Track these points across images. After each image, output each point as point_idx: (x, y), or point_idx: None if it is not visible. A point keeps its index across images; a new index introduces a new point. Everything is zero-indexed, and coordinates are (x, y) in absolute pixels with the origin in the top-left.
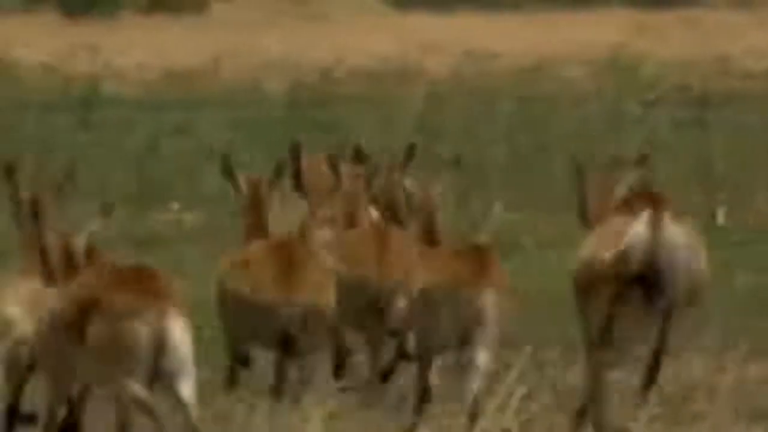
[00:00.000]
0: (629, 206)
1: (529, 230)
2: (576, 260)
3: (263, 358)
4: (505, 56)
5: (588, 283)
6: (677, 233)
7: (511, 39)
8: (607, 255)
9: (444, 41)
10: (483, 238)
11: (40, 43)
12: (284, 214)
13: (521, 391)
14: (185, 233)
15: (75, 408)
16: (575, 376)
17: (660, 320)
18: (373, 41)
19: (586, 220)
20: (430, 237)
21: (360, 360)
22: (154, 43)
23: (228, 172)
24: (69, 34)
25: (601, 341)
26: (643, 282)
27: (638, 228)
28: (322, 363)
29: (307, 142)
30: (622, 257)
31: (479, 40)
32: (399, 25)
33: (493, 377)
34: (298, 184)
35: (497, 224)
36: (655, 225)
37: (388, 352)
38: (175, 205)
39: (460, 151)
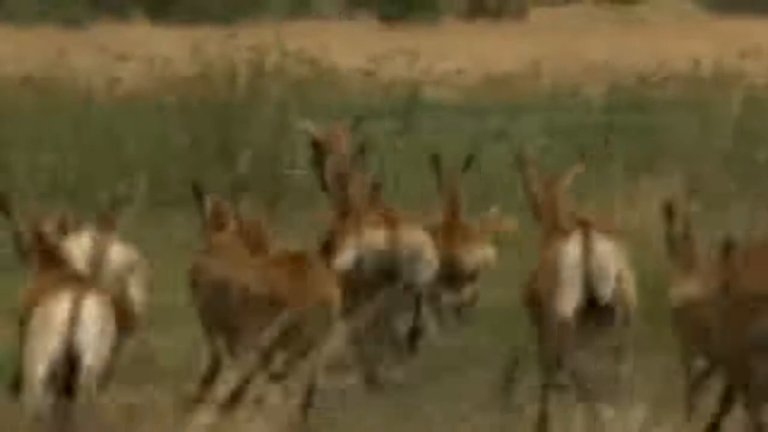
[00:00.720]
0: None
1: None
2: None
3: None
4: None
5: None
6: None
7: None
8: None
9: (763, 45)
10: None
11: (359, 49)
12: None
13: None
14: (500, 239)
15: None
16: None
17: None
18: (691, 45)
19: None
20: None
21: None
22: (474, 48)
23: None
24: (387, 39)
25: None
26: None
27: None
28: None
29: (621, 146)
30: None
31: None
32: (717, 29)
33: None
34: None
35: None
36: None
37: None
38: (495, 210)
39: None
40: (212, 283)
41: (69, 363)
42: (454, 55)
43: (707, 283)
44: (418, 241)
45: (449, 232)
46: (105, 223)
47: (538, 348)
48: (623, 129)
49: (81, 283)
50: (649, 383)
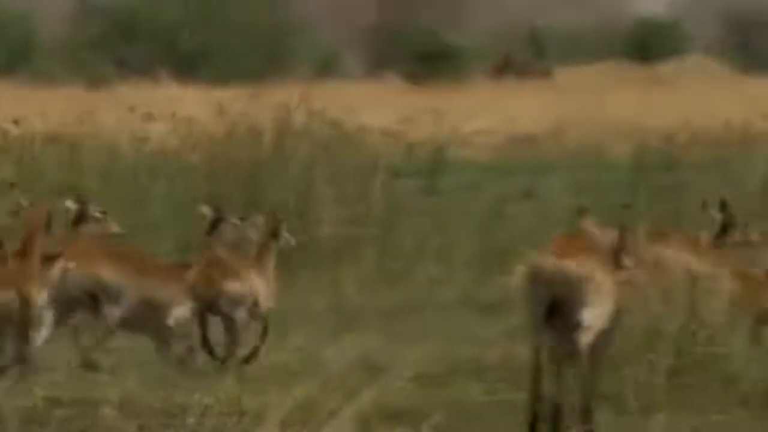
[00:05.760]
0: None
1: None
2: None
3: None
4: None
5: None
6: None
7: None
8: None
9: None
10: None
11: (385, 109)
12: None
13: None
14: None
15: None
16: None
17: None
18: (717, 105)
19: None
20: None
21: None
22: (500, 107)
23: None
24: (413, 98)
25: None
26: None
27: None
28: None
29: (650, 206)
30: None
31: None
32: (743, 89)
33: None
34: None
35: None
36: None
37: None
38: (521, 270)
39: None
40: None
41: None
42: (479, 114)
43: None
44: None
45: None
46: None
47: None
48: (650, 188)
49: None
50: None
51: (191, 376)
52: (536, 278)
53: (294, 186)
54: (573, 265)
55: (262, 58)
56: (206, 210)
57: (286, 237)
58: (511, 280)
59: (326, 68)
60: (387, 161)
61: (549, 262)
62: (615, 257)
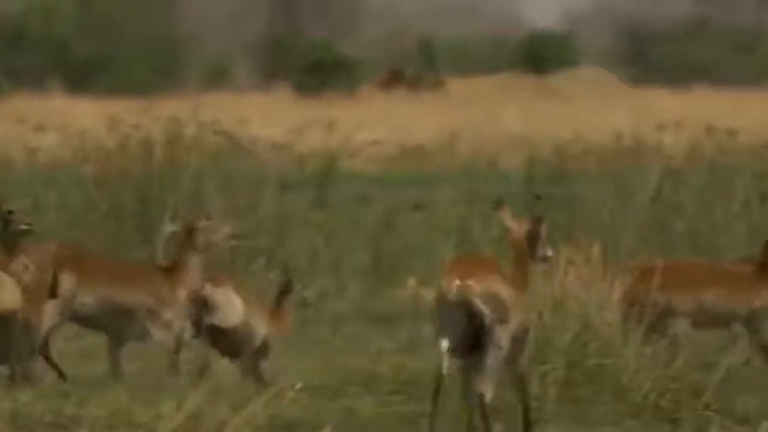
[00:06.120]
0: None
1: None
2: None
3: None
4: (743, 133)
5: None
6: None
7: (749, 115)
8: None
9: (680, 118)
10: None
11: (276, 120)
12: None
13: None
14: (421, 310)
15: None
16: None
17: None
18: (609, 117)
19: None
20: None
21: None
22: (392, 118)
23: None
24: (304, 110)
25: None
26: None
27: None
28: None
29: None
30: None
31: (717, 116)
32: (635, 101)
33: None
34: None
35: None
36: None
37: None
38: (412, 282)
39: (697, 227)
40: None
41: None
42: (371, 125)
43: None
44: None
45: None
46: None
47: None
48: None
49: None
50: None
51: (83, 388)
52: (443, 301)
53: (185, 198)
54: (476, 285)
55: (154, 69)
56: (172, 226)
57: (299, 290)
58: (402, 292)
59: (218, 79)
60: (277, 173)
61: (453, 284)
62: (531, 249)
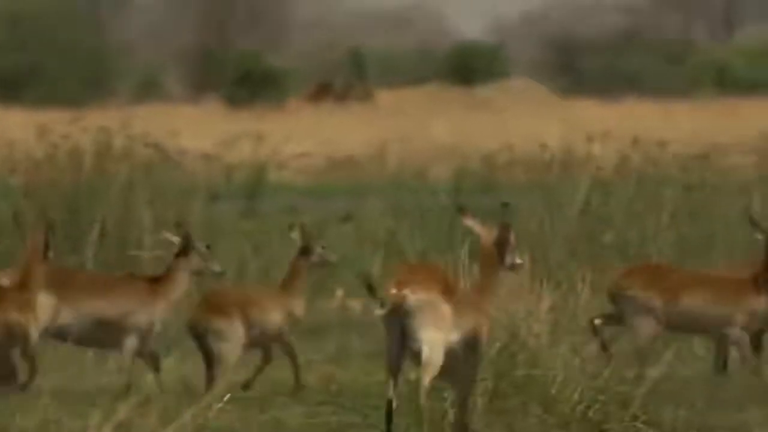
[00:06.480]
0: None
1: None
2: None
3: None
4: (673, 144)
5: None
6: None
7: (679, 127)
8: None
9: (610, 129)
10: None
11: (205, 132)
12: None
13: None
14: (349, 321)
15: None
16: None
17: None
18: (538, 128)
19: None
20: None
21: None
22: (320, 130)
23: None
24: (233, 121)
25: None
26: None
27: None
28: None
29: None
30: None
31: (646, 127)
32: (565, 112)
33: None
34: None
35: None
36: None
37: None
38: (340, 293)
39: (626, 238)
40: None
41: None
42: (299, 137)
43: None
44: None
45: None
46: None
47: None
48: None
49: None
50: None
51: (12, 398)
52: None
53: (114, 208)
54: (410, 294)
55: (84, 80)
56: (171, 237)
57: (320, 252)
58: (330, 303)
59: (147, 91)
60: (206, 184)
61: (392, 292)
62: (500, 256)
